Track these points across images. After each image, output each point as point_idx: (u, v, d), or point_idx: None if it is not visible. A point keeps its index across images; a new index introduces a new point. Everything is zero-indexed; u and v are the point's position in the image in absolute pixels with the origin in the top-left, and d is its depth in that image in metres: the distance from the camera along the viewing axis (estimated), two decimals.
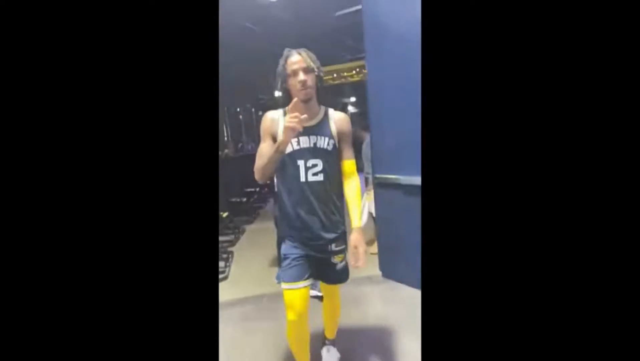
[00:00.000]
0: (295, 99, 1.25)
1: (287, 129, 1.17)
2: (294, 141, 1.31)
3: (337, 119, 1.37)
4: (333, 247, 1.40)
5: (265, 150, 1.33)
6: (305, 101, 1.30)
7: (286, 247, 1.41)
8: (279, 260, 1.48)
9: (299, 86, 1.27)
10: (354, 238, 1.35)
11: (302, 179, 1.33)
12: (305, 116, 1.18)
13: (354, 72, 7.08)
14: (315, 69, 1.30)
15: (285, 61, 1.31)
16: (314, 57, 1.33)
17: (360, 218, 1.40)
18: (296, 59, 1.29)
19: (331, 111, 1.40)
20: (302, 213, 1.35)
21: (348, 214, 1.40)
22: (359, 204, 1.40)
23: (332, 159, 1.36)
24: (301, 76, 1.27)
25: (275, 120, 1.35)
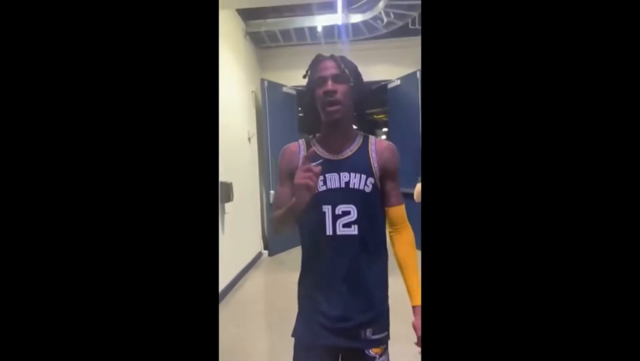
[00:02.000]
0: (311, 149, 0.90)
1: (297, 187, 0.79)
2: (319, 182, 0.90)
3: (381, 150, 0.95)
4: (368, 333, 0.92)
5: (281, 197, 0.96)
6: (334, 122, 0.91)
7: (301, 329, 0.97)
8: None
9: (323, 98, 0.89)
10: (418, 322, 0.90)
11: (329, 231, 0.91)
12: (319, 168, 0.80)
13: None
14: (351, 79, 0.91)
15: (315, 67, 0.94)
16: (353, 65, 0.94)
17: (420, 290, 0.92)
18: (327, 64, 0.91)
19: (373, 138, 0.98)
20: (327, 280, 0.92)
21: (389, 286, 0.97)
22: (415, 268, 0.94)
23: (371, 205, 0.93)
24: (329, 84, 0.89)
25: (295, 154, 0.97)
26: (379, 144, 0.97)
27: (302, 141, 1.01)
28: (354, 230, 0.91)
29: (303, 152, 0.97)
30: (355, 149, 0.96)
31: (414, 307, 0.93)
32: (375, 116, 11.18)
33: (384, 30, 4.18)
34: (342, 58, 0.94)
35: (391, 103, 4.72)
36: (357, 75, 0.95)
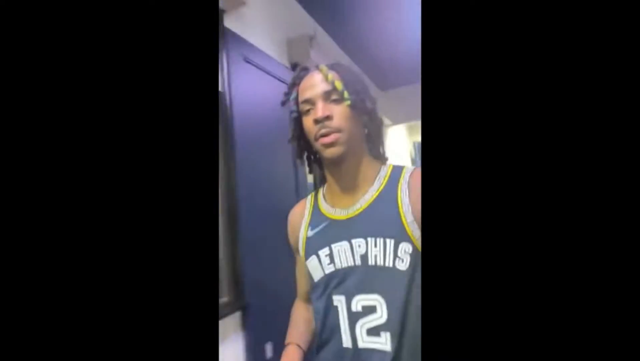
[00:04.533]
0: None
1: None
2: (323, 253, 0.62)
3: (419, 189, 0.56)
4: None
5: (298, 280, 0.75)
6: (336, 160, 0.61)
7: None
8: None
9: (314, 128, 0.60)
10: None
11: (346, 342, 0.59)
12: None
13: None
14: (348, 96, 0.60)
15: (295, 85, 0.66)
16: (352, 74, 0.64)
17: None
18: (313, 79, 0.62)
19: (408, 171, 0.63)
20: None
21: None
22: None
23: (413, 293, 0.56)
24: (319, 109, 0.60)
25: (299, 217, 0.70)
26: (416, 179, 0.60)
27: (309, 198, 0.71)
28: (384, 342, 0.56)
29: (307, 213, 0.67)
30: (374, 195, 0.60)
31: None
32: None
33: None
34: (335, 66, 0.63)
35: None
36: (361, 87, 0.63)
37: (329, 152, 0.60)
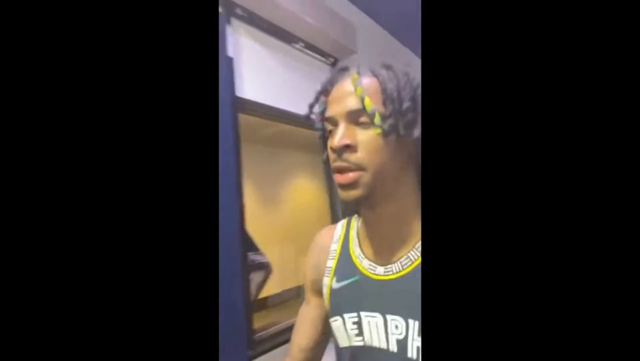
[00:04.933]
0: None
1: None
2: (349, 318, 0.49)
3: None
4: None
5: (301, 331, 0.58)
6: (352, 204, 0.48)
7: None
8: None
9: (331, 157, 0.47)
10: None
11: None
12: None
13: None
14: (378, 121, 0.43)
15: (326, 91, 0.50)
16: (400, 82, 0.45)
17: None
18: (343, 88, 0.47)
19: None
20: None
21: None
22: None
23: None
24: (338, 135, 0.45)
25: (325, 247, 0.57)
26: None
27: (339, 230, 0.58)
28: None
29: (335, 255, 0.54)
30: (417, 245, 0.47)
31: None
32: None
33: None
34: (380, 70, 0.47)
35: None
36: (413, 104, 0.45)
37: (343, 195, 0.45)
